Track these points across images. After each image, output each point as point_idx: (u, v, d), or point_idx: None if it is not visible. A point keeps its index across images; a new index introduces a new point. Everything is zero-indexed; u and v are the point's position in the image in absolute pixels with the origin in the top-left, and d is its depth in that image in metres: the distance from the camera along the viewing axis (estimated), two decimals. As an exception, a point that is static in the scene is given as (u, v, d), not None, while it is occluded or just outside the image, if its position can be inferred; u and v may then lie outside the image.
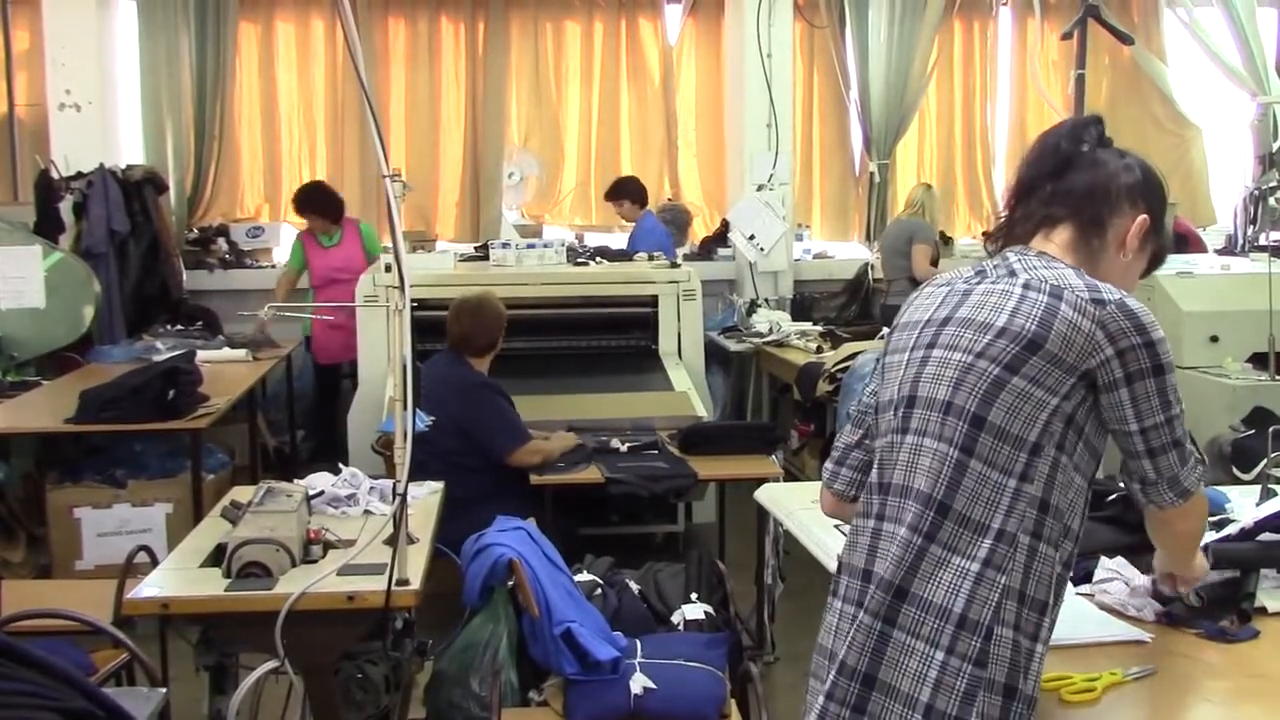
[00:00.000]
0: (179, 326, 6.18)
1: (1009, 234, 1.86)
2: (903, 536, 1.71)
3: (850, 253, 7.89)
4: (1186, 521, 1.85)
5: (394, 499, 2.73)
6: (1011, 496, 1.67)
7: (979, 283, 1.80)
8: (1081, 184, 1.81)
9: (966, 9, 8.03)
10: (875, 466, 1.82)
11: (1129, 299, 1.71)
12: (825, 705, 1.72)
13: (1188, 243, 6.63)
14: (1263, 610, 2.21)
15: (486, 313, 4.43)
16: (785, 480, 4.26)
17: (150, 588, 2.60)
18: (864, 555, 1.77)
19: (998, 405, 1.68)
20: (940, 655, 1.64)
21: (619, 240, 7.16)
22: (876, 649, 1.69)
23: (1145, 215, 1.81)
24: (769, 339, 6.44)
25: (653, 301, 5.67)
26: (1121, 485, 2.02)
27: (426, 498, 3.29)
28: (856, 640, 1.71)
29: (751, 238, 7.14)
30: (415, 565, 2.66)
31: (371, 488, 3.22)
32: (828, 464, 1.99)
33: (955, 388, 1.72)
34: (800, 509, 3.04)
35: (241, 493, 3.17)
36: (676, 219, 7.47)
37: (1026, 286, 1.73)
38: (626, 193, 6.94)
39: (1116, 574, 2.27)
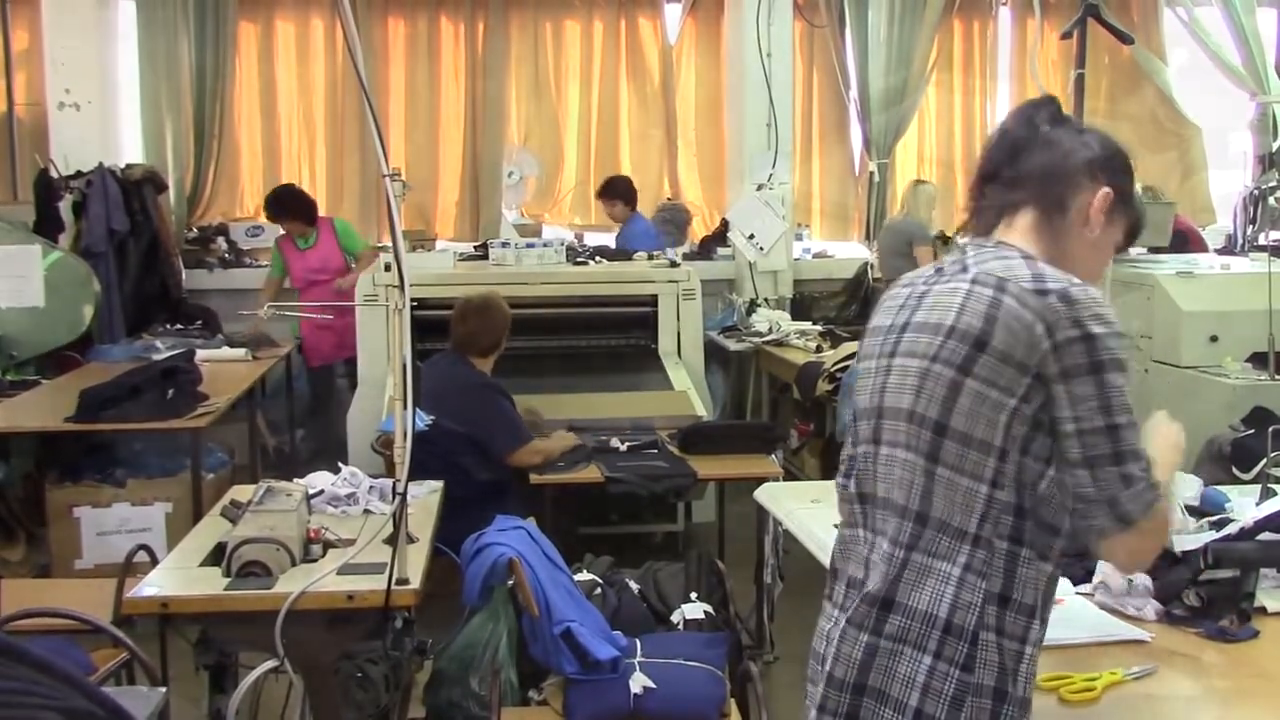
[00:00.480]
0: (179, 326, 6.19)
1: (976, 226, 1.82)
2: (885, 550, 1.69)
3: (850, 252, 7.89)
4: (1130, 544, 1.64)
5: (394, 498, 2.74)
6: (985, 503, 1.62)
7: (936, 282, 1.76)
8: (1036, 165, 1.76)
9: (966, 9, 8.03)
10: (854, 475, 1.80)
11: (1076, 288, 1.63)
12: (819, 719, 1.72)
13: (1188, 241, 6.63)
14: (1262, 610, 2.22)
15: (493, 313, 4.43)
16: (785, 480, 4.26)
17: (150, 587, 2.60)
18: (850, 564, 1.76)
19: (957, 410, 1.64)
20: (928, 660, 1.62)
21: (618, 240, 7.17)
22: (864, 660, 1.67)
23: (1107, 189, 1.75)
24: (768, 338, 6.44)
25: (652, 301, 5.67)
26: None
27: (426, 497, 3.29)
28: (843, 651, 1.70)
29: (751, 237, 7.14)
30: (415, 565, 2.67)
31: (371, 487, 3.22)
32: (838, 478, 1.98)
33: (916, 395, 1.68)
34: (800, 508, 3.04)
35: (241, 492, 3.17)
36: (675, 219, 7.47)
37: (974, 282, 1.68)
38: (619, 193, 6.95)
39: (1117, 574, 2.27)
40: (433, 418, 4.17)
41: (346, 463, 3.51)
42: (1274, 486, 2.70)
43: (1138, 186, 1.87)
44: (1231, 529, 2.31)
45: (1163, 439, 1.82)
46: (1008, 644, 1.62)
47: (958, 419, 1.64)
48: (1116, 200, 1.75)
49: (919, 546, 1.66)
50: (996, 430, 1.62)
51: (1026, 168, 1.77)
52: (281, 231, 6.51)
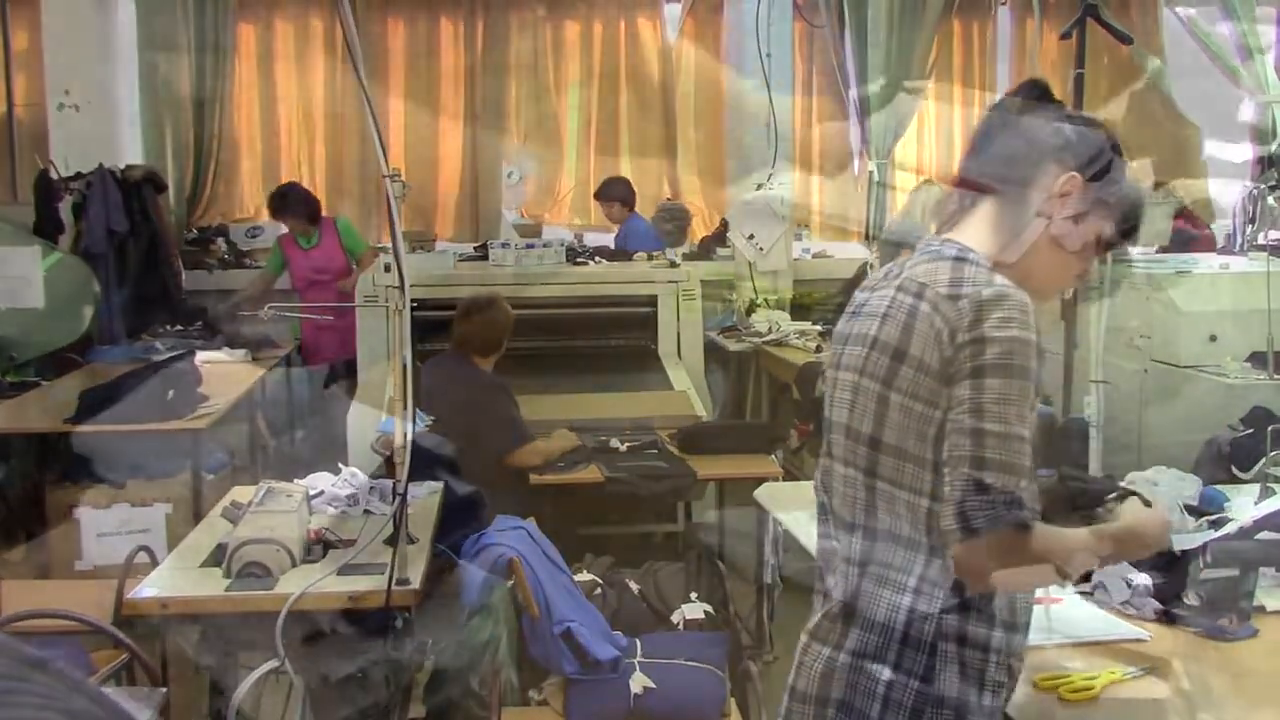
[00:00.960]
0: (178, 326, 6.18)
1: (954, 221, 1.72)
2: (841, 568, 1.69)
3: (850, 252, 7.88)
4: (971, 558, 1.52)
5: (394, 499, 2.74)
6: (927, 515, 1.58)
7: (878, 288, 1.69)
8: (1000, 152, 1.67)
9: (966, 9, 8.03)
10: (822, 489, 1.78)
11: (991, 291, 1.53)
12: None
13: (1191, 239, 6.62)
14: (1262, 609, 2.22)
15: (495, 312, 4.45)
16: (785, 480, 4.26)
17: (150, 588, 2.61)
18: (829, 575, 1.75)
19: (888, 425, 1.59)
20: (887, 672, 1.60)
21: (618, 240, 7.17)
22: (825, 673, 1.65)
23: (1073, 174, 1.61)
24: (768, 339, 6.44)
25: (652, 301, 5.67)
26: (1120, 485, 2.01)
27: (426, 498, 3.29)
28: (805, 663, 1.69)
29: (751, 237, 7.14)
30: (415, 565, 2.67)
31: (371, 487, 3.22)
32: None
33: (850, 411, 1.65)
34: (799, 508, 3.04)
35: (241, 493, 3.17)
36: (675, 219, 7.48)
37: (899, 289, 1.61)
38: (616, 194, 6.95)
39: (1116, 574, 2.28)
40: (433, 418, 4.17)
41: (346, 463, 3.51)
42: (1273, 486, 2.70)
43: (1147, 181, 1.82)
44: (1230, 528, 2.31)
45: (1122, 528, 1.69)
46: (969, 653, 1.58)
47: (889, 433, 1.59)
48: (1088, 190, 1.62)
49: (873, 560, 1.64)
50: (926, 444, 1.56)
51: (992, 155, 1.68)
52: (283, 230, 6.50)
